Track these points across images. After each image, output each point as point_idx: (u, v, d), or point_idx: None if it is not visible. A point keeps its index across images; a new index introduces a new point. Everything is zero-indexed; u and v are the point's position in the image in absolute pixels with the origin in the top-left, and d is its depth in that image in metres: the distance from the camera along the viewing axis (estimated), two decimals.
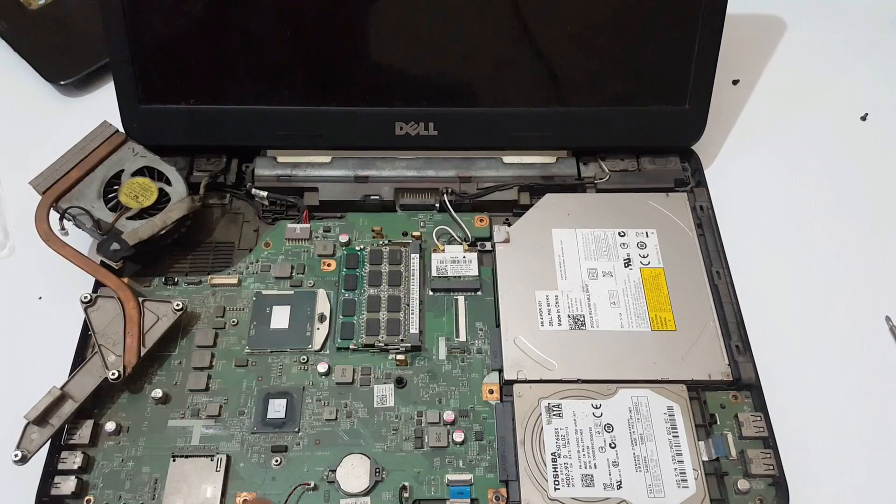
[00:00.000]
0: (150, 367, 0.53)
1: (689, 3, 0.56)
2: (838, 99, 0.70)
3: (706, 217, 0.60)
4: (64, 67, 0.69)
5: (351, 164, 0.61)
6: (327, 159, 0.61)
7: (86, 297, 0.52)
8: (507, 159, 0.61)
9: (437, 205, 0.60)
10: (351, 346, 0.53)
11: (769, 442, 0.49)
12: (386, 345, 0.53)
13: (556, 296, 0.55)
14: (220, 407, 0.51)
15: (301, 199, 0.60)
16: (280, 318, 0.55)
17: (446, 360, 0.53)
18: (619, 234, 0.58)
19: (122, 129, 0.58)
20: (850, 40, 0.75)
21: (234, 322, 0.55)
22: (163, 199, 0.55)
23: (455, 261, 0.57)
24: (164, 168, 0.57)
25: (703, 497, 0.47)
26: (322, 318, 0.55)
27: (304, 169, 0.60)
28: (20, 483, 0.48)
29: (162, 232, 0.54)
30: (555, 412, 0.50)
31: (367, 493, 0.48)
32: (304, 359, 0.53)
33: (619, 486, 0.47)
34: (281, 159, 0.61)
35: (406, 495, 0.48)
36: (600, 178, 0.61)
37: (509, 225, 0.59)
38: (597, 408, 0.50)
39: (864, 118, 0.69)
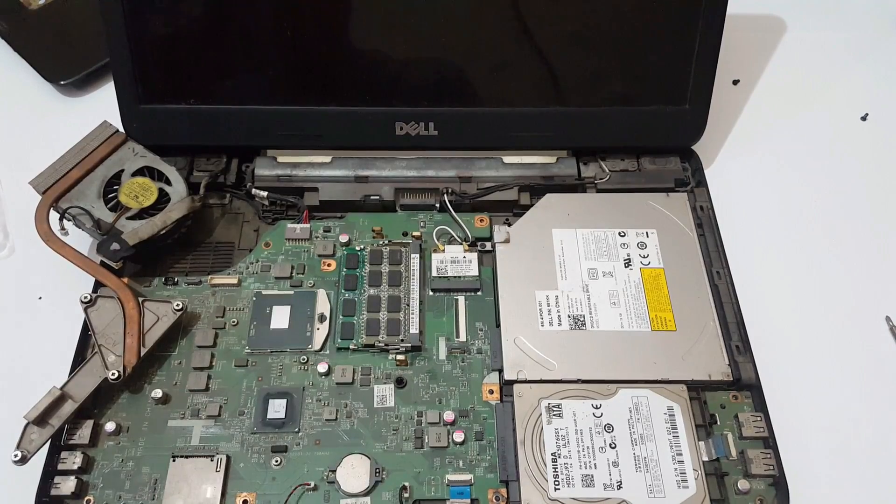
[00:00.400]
0: (150, 367, 0.53)
1: (689, 4, 0.56)
2: (838, 99, 0.70)
3: (706, 217, 0.60)
4: (64, 67, 0.69)
5: (351, 164, 0.61)
6: (327, 159, 0.61)
7: (86, 297, 0.52)
8: (508, 159, 0.61)
9: (438, 205, 0.60)
10: (351, 347, 0.53)
11: (769, 442, 0.49)
12: (386, 345, 0.53)
13: (557, 296, 0.55)
14: (220, 407, 0.51)
15: (301, 199, 0.60)
16: (280, 318, 0.55)
17: (446, 360, 0.53)
18: (619, 234, 0.58)
19: (122, 129, 0.58)
20: (850, 40, 0.75)
21: (234, 322, 0.55)
22: (163, 199, 0.55)
23: (455, 261, 0.57)
24: (164, 168, 0.57)
25: (703, 497, 0.47)
26: (322, 318, 0.55)
27: (304, 169, 0.60)
28: (20, 483, 0.48)
29: (162, 232, 0.54)
30: (555, 412, 0.50)
31: (367, 493, 0.48)
32: (304, 359, 0.53)
33: (620, 487, 0.47)
34: (281, 159, 0.61)
35: (406, 495, 0.48)
36: (600, 178, 0.61)
37: (509, 225, 0.59)
38: (597, 408, 0.50)
39: (864, 118, 0.69)
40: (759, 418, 0.50)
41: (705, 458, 0.49)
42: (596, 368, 0.51)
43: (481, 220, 0.59)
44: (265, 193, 0.60)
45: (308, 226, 0.59)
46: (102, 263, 0.54)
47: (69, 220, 0.54)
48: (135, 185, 0.55)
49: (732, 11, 0.57)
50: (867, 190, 0.64)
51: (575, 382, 0.51)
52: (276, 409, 0.51)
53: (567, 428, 0.49)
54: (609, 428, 0.49)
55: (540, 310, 0.54)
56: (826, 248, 0.61)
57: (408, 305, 0.55)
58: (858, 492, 0.50)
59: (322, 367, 0.52)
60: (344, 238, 0.58)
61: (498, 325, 0.54)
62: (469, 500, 0.47)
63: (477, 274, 0.56)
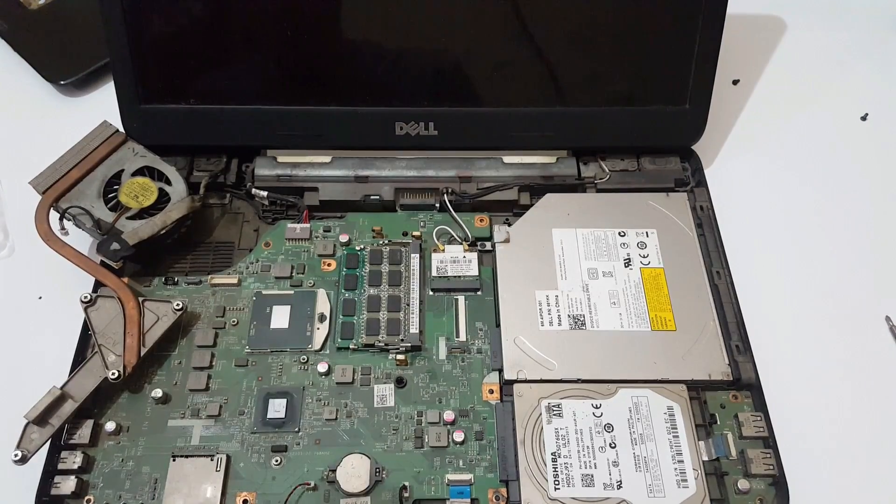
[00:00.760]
0: (150, 367, 0.53)
1: (689, 3, 0.56)
2: (838, 99, 0.70)
3: (706, 217, 0.60)
4: (64, 67, 0.69)
5: (351, 164, 0.61)
6: (327, 159, 0.61)
7: (86, 297, 0.52)
8: (508, 159, 0.61)
9: (437, 205, 0.60)
10: (351, 346, 0.53)
11: (769, 442, 0.49)
12: (386, 345, 0.53)
13: (557, 296, 0.55)
14: (220, 407, 0.51)
15: (301, 198, 0.60)
16: (280, 318, 0.55)
17: (446, 360, 0.53)
18: (619, 234, 0.58)
19: (122, 129, 0.58)
20: (850, 40, 0.75)
21: (234, 322, 0.55)
22: (163, 199, 0.55)
23: (455, 261, 0.57)
24: (164, 168, 0.57)
25: (703, 497, 0.47)
26: (322, 318, 0.55)
27: (304, 169, 0.60)
28: (20, 483, 0.48)
29: (162, 232, 0.54)
30: (555, 412, 0.50)
31: (367, 493, 0.48)
32: (304, 359, 0.53)
33: (620, 486, 0.47)
34: (281, 159, 0.61)
35: (406, 495, 0.48)
36: (600, 178, 0.61)
37: (509, 225, 0.59)
38: (597, 408, 0.50)
39: (864, 118, 0.69)
40: (759, 418, 0.50)
41: (705, 458, 0.49)
42: (596, 368, 0.51)
43: (481, 220, 0.59)
44: (265, 193, 0.60)
45: (308, 226, 0.59)
46: (102, 263, 0.54)
47: (69, 220, 0.54)
48: (135, 185, 0.55)
49: (732, 11, 0.57)
50: (867, 190, 0.64)
51: (575, 382, 0.51)
52: (276, 408, 0.51)
53: (567, 428, 0.49)
54: (609, 428, 0.49)
55: (540, 310, 0.54)
56: (826, 247, 0.61)
57: (408, 305, 0.55)
58: (858, 492, 0.50)
59: (322, 367, 0.52)
60: (344, 238, 0.58)
61: (498, 325, 0.54)
62: (469, 500, 0.47)
63: (477, 274, 0.56)
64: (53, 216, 0.54)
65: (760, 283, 0.58)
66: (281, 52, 0.58)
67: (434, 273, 0.56)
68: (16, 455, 0.46)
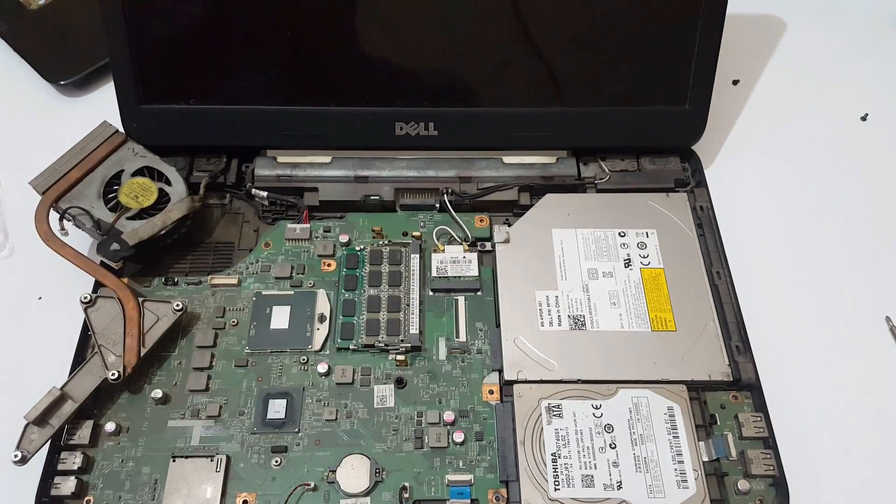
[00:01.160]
0: (150, 368, 0.53)
1: (689, 3, 0.56)
2: (838, 99, 0.70)
3: (706, 217, 0.60)
4: (64, 67, 0.69)
5: (351, 164, 0.61)
6: (327, 159, 0.61)
7: (86, 297, 0.52)
8: (507, 159, 0.61)
9: (437, 205, 0.60)
10: (351, 347, 0.53)
11: (769, 442, 0.49)
12: (386, 345, 0.53)
13: (556, 296, 0.55)
14: (220, 407, 0.51)
15: (301, 199, 0.60)
16: (280, 318, 0.55)
17: (446, 360, 0.53)
18: (619, 234, 0.58)
19: (122, 129, 0.58)
20: (850, 40, 0.75)
21: (234, 322, 0.55)
22: (163, 199, 0.55)
23: (455, 261, 0.57)
24: (164, 168, 0.57)
25: (703, 497, 0.47)
26: (322, 318, 0.55)
27: (304, 169, 0.60)
28: (20, 483, 0.48)
29: (162, 232, 0.54)
30: (555, 412, 0.50)
31: (367, 493, 0.48)
32: (304, 359, 0.53)
33: (620, 487, 0.47)
34: (281, 159, 0.61)
35: (406, 496, 0.48)
36: (600, 178, 0.61)
37: (509, 225, 0.59)
38: (597, 408, 0.50)
39: (864, 118, 0.69)
40: (759, 418, 0.50)
41: (705, 459, 0.49)
42: (596, 368, 0.51)
43: (481, 220, 0.59)
44: (265, 193, 0.60)
45: (308, 226, 0.59)
46: (102, 263, 0.54)
47: (69, 220, 0.54)
48: (135, 185, 0.55)
49: (732, 11, 0.57)
50: (867, 190, 0.64)
51: (575, 382, 0.51)
52: (276, 409, 0.51)
53: (567, 428, 0.49)
54: (609, 428, 0.49)
55: (540, 310, 0.54)
56: (826, 247, 0.61)
57: (408, 305, 0.55)
58: (858, 492, 0.50)
59: (322, 368, 0.52)
60: (344, 238, 0.58)
61: (498, 325, 0.54)
62: (469, 501, 0.47)
63: (477, 274, 0.56)
64: (53, 216, 0.54)
65: (760, 283, 0.58)
66: (281, 53, 0.58)
67: (434, 273, 0.56)
68: (16, 455, 0.46)
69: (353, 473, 0.48)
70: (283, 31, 0.57)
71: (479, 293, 0.56)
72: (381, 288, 0.56)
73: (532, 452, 0.48)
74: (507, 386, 0.52)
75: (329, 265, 0.57)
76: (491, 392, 0.52)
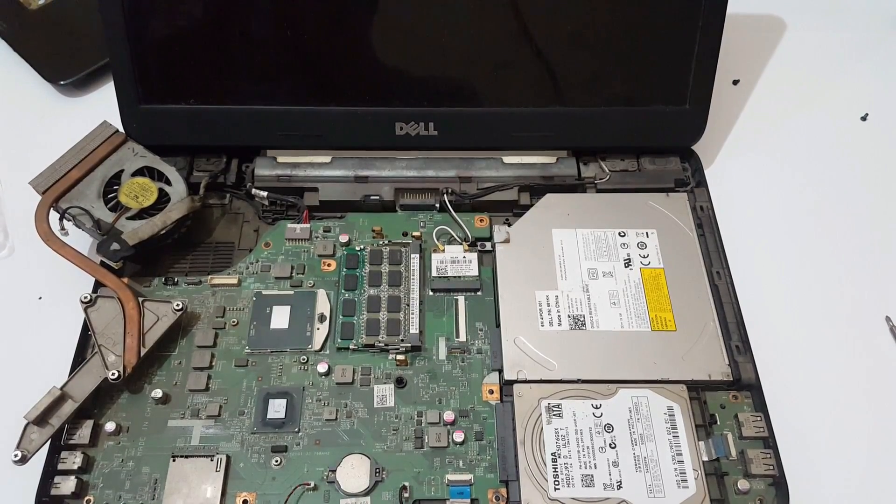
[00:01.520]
0: (150, 367, 0.53)
1: (689, 3, 0.56)
2: (838, 99, 0.70)
3: (706, 217, 0.60)
4: (64, 67, 0.69)
5: (351, 164, 0.61)
6: (327, 159, 0.61)
7: (86, 297, 0.52)
8: (508, 159, 0.61)
9: (437, 205, 0.60)
10: (351, 347, 0.53)
11: (769, 442, 0.49)
12: (386, 345, 0.53)
13: (556, 296, 0.55)
14: (220, 407, 0.51)
15: (301, 199, 0.60)
16: (280, 318, 0.55)
17: (446, 360, 0.53)
18: (619, 234, 0.58)
19: (122, 129, 0.58)
20: (850, 40, 0.75)
21: (234, 322, 0.55)
22: (163, 199, 0.55)
23: (455, 261, 0.57)
24: (164, 168, 0.57)
25: (703, 497, 0.47)
26: (322, 318, 0.55)
27: (304, 169, 0.60)
28: (20, 483, 0.48)
29: (162, 232, 0.54)
30: (555, 412, 0.50)
31: (367, 493, 0.48)
32: (304, 359, 0.53)
33: (619, 487, 0.47)
34: (281, 159, 0.61)
35: (406, 495, 0.48)
36: (600, 178, 0.61)
37: (509, 225, 0.59)
38: (597, 408, 0.50)
39: (864, 118, 0.69)
40: (759, 418, 0.50)
41: (705, 458, 0.49)
42: (596, 368, 0.51)
43: (481, 220, 0.59)
44: (265, 193, 0.60)
45: (308, 226, 0.59)
46: (102, 263, 0.54)
47: (69, 220, 0.54)
48: (135, 185, 0.55)
49: (732, 11, 0.57)
50: (867, 190, 0.64)
51: (575, 382, 0.51)
52: (276, 409, 0.51)
53: (567, 428, 0.49)
54: (609, 428, 0.49)
55: (540, 310, 0.54)
56: (826, 247, 0.61)
57: (408, 305, 0.55)
58: (858, 492, 0.50)
59: (322, 367, 0.52)
60: (344, 238, 0.58)
61: (498, 325, 0.54)
62: (469, 500, 0.47)
63: (477, 274, 0.56)
64: (53, 216, 0.54)
65: (760, 283, 0.58)
66: (281, 53, 0.58)
67: (434, 273, 0.56)
68: (16, 455, 0.46)
69: (353, 473, 0.48)
70: (283, 31, 0.57)
71: (479, 293, 0.56)
72: (381, 288, 0.56)
73: (532, 452, 0.48)
74: (507, 386, 0.52)
75: (329, 265, 0.57)
76: (491, 392, 0.52)
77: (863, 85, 0.71)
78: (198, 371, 0.53)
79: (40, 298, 0.58)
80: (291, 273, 0.57)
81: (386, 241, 0.58)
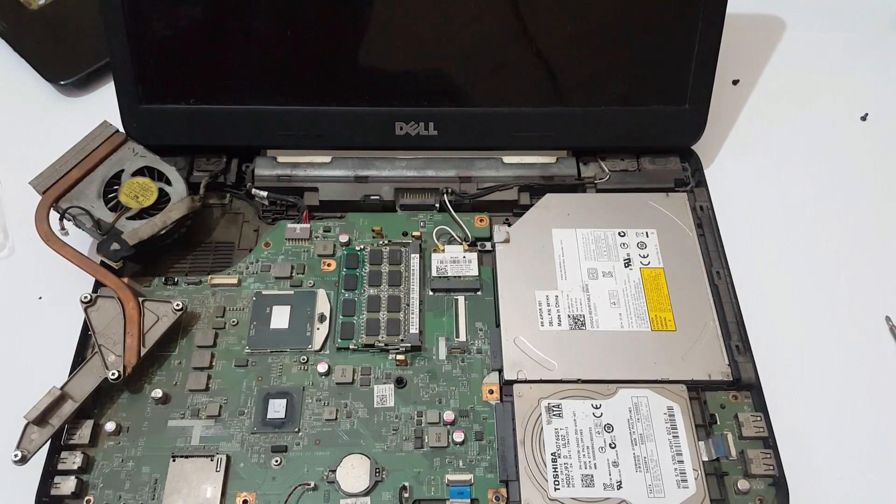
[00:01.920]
0: (150, 367, 0.53)
1: (689, 3, 0.56)
2: (838, 99, 0.70)
3: (706, 217, 0.60)
4: (64, 67, 0.69)
5: (351, 164, 0.61)
6: (327, 159, 0.61)
7: (86, 297, 0.52)
8: (507, 159, 0.61)
9: (437, 205, 0.60)
10: (351, 346, 0.53)
11: (769, 442, 0.49)
12: (386, 345, 0.53)
13: (556, 296, 0.55)
14: (220, 407, 0.51)
15: (301, 199, 0.60)
16: (280, 318, 0.55)
17: (446, 360, 0.53)
18: (619, 234, 0.58)
19: (122, 129, 0.58)
20: (850, 40, 0.75)
21: (234, 322, 0.55)
22: (163, 199, 0.55)
23: (455, 261, 0.57)
24: (164, 168, 0.57)
25: (703, 497, 0.47)
26: (322, 318, 0.55)
27: (304, 169, 0.60)
28: (20, 483, 0.48)
29: (162, 232, 0.54)
30: (555, 412, 0.50)
31: (367, 493, 0.48)
32: (304, 359, 0.53)
33: (619, 487, 0.47)
34: (281, 159, 0.61)
35: (406, 495, 0.48)
36: (600, 178, 0.61)
37: (509, 225, 0.59)
38: (597, 408, 0.50)
39: (864, 118, 0.69)
40: (759, 418, 0.50)
41: (705, 458, 0.49)
42: (596, 368, 0.51)
43: (481, 220, 0.59)
44: (265, 193, 0.60)
45: (308, 226, 0.59)
46: (102, 263, 0.54)
47: (69, 220, 0.54)
48: (135, 185, 0.55)
49: (732, 11, 0.57)
50: (867, 190, 0.64)
51: (575, 382, 0.51)
52: (276, 409, 0.51)
53: (567, 428, 0.49)
54: (609, 428, 0.49)
55: (540, 310, 0.54)
56: (826, 247, 0.61)
57: (408, 305, 0.55)
58: (858, 492, 0.50)
59: (322, 367, 0.52)
60: (344, 238, 0.58)
61: (498, 325, 0.54)
62: (469, 500, 0.47)
63: (477, 274, 0.56)
64: (53, 216, 0.54)
65: (760, 283, 0.58)
66: (281, 53, 0.58)
67: (434, 273, 0.56)
68: (16, 455, 0.46)
69: (353, 473, 0.48)
70: (283, 31, 0.57)
71: (479, 293, 0.56)
72: (381, 288, 0.56)
73: (532, 452, 0.48)
74: (507, 386, 0.52)
75: (329, 265, 0.57)
76: (491, 392, 0.52)
77: (863, 85, 0.71)
78: (198, 371, 0.53)
79: (40, 298, 0.58)
80: (291, 273, 0.57)
81: (386, 241, 0.58)
